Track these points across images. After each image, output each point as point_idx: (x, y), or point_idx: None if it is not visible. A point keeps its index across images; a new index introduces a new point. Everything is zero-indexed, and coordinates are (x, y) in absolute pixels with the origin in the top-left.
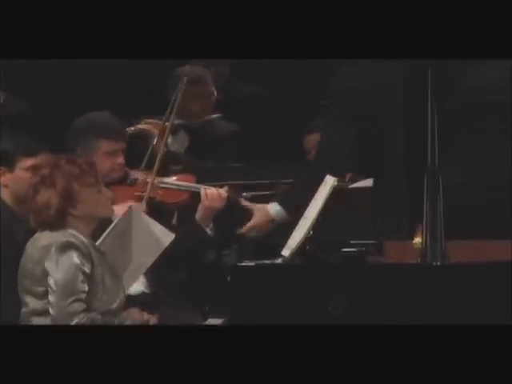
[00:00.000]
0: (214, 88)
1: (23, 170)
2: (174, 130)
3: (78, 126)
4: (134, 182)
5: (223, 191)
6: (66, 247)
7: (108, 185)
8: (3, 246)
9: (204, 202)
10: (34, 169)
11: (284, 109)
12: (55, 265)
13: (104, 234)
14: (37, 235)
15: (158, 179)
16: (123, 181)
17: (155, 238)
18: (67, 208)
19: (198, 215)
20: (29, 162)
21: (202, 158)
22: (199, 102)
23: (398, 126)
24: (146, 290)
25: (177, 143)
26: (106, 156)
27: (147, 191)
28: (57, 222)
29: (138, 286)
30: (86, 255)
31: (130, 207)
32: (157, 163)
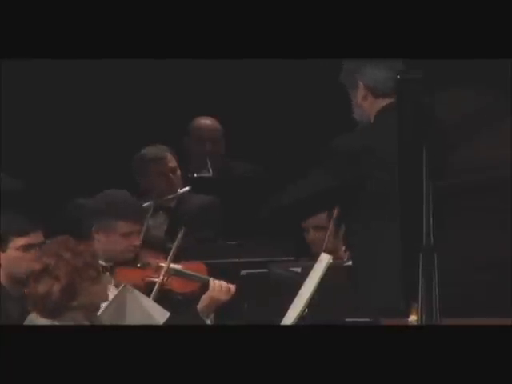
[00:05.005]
0: (175, 164)
1: (15, 250)
2: (153, 214)
3: (95, 205)
4: (145, 266)
5: (232, 286)
6: None
7: (117, 265)
8: None
9: (212, 293)
10: (26, 247)
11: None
12: None
13: (103, 308)
14: (33, 317)
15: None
16: (133, 262)
17: (149, 315)
18: (67, 300)
19: (201, 305)
20: (21, 241)
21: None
22: (163, 179)
23: (393, 202)
24: None
25: (157, 225)
26: (123, 237)
27: (160, 278)
28: (56, 312)
29: None
30: None
31: (125, 285)
32: (173, 250)
